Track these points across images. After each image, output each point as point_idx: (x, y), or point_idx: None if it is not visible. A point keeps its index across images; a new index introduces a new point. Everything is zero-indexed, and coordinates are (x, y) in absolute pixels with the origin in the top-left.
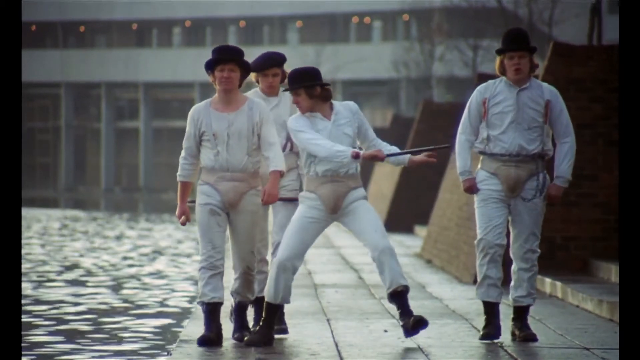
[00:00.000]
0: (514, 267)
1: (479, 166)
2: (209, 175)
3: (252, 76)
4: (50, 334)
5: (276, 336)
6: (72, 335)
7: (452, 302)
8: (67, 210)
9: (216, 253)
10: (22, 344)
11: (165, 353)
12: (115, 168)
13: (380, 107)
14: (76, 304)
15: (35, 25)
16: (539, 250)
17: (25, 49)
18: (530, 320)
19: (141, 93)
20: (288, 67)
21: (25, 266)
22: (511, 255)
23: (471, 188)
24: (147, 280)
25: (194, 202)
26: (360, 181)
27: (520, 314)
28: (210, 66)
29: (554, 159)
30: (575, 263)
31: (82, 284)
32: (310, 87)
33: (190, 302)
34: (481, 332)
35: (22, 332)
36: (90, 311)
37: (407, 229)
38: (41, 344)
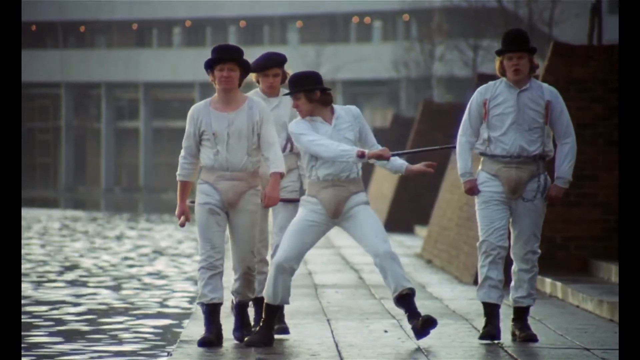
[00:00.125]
0: (514, 268)
1: (480, 168)
2: (209, 174)
3: (252, 76)
4: (50, 334)
5: (277, 336)
6: (72, 336)
7: (452, 302)
8: (67, 211)
9: (215, 253)
10: (22, 345)
11: (165, 354)
12: (115, 168)
13: (380, 107)
14: (76, 305)
15: (35, 25)
16: (539, 251)
17: (25, 49)
18: (530, 321)
19: (141, 93)
20: (288, 67)
21: (25, 266)
22: (512, 255)
23: (472, 189)
24: (147, 280)
25: (194, 202)
26: (362, 186)
27: (521, 314)
28: (209, 65)
29: (554, 159)
30: (575, 263)
31: (82, 284)
32: (310, 91)
33: (190, 302)
34: (481, 332)
35: (22, 333)
36: (90, 312)
37: (407, 229)
38: (41, 345)
